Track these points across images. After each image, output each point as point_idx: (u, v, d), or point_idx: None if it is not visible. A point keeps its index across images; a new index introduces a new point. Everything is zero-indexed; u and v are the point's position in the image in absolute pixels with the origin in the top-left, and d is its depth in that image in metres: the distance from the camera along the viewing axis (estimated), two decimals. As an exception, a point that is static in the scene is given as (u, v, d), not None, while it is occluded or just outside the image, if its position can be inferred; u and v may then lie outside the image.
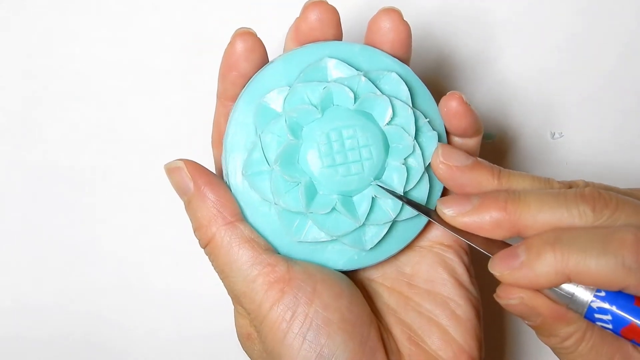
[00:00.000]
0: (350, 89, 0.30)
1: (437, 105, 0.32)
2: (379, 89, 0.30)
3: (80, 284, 0.43)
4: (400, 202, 0.30)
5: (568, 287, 0.26)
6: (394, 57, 0.32)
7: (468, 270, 0.33)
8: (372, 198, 0.30)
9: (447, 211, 0.29)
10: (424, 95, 0.32)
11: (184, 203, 0.31)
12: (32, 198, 0.43)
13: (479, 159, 0.30)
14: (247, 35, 0.30)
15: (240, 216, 0.30)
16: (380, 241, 0.31)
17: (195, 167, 0.30)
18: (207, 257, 0.31)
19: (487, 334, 0.33)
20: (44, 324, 0.43)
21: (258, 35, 0.30)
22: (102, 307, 0.43)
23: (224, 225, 0.30)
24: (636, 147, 0.45)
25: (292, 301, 0.29)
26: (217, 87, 0.32)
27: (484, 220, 0.28)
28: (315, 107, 0.30)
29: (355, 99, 0.30)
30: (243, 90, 0.31)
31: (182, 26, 0.44)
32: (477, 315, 0.32)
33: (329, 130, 0.30)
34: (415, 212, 0.31)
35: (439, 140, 0.31)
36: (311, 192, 0.30)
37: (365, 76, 0.30)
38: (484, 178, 0.29)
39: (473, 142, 0.33)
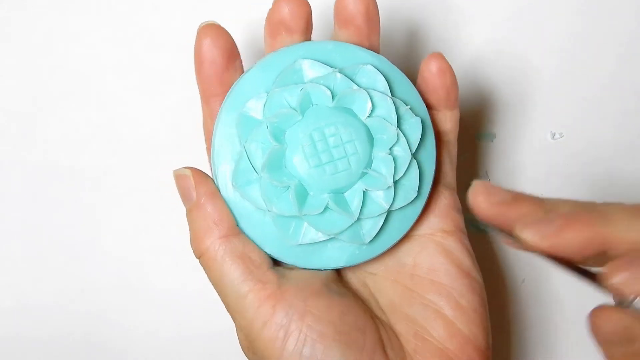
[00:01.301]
0: (327, 87, 0.30)
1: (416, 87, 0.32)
2: (355, 83, 0.30)
3: (80, 284, 0.43)
4: (392, 192, 0.30)
5: None
6: (366, 48, 0.32)
7: (470, 254, 0.33)
8: (363, 192, 0.30)
9: (530, 236, 0.26)
10: (403, 83, 0.32)
11: (186, 211, 0.31)
12: (32, 198, 0.43)
13: (516, 191, 0.28)
14: (209, 27, 0.31)
15: (236, 230, 0.30)
16: (378, 233, 0.31)
17: (199, 177, 0.30)
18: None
19: (492, 322, 0.33)
20: (44, 324, 0.43)
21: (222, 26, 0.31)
22: (102, 307, 0.43)
23: (219, 238, 0.29)
24: (636, 147, 0.45)
25: (284, 318, 0.28)
26: (198, 91, 0.32)
27: (570, 241, 0.25)
28: (295, 109, 0.30)
29: (333, 96, 0.30)
30: (223, 102, 0.31)
31: (182, 26, 0.44)
32: (482, 303, 0.32)
33: (311, 130, 0.30)
34: (409, 200, 0.31)
35: (423, 125, 0.31)
36: (302, 195, 0.30)
37: (340, 72, 0.30)
38: (530, 210, 0.27)
39: (453, 119, 0.32)
